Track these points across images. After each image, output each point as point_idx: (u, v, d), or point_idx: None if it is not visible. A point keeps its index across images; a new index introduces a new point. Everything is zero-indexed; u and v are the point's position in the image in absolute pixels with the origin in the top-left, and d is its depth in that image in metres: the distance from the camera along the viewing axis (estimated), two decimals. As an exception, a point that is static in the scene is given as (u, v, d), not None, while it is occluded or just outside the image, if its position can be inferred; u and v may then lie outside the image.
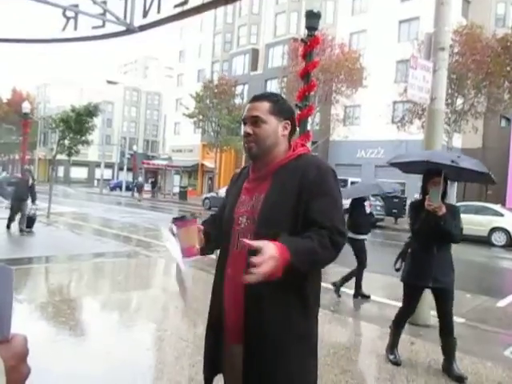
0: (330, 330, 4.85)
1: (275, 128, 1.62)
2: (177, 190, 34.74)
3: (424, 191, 3.73)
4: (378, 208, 19.36)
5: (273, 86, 32.04)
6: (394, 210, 20.90)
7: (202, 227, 1.67)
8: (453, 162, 3.55)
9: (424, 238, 3.77)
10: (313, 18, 6.43)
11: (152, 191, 35.09)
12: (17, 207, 10.47)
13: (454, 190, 25.22)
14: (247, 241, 1.37)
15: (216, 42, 42.58)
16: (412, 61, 4.78)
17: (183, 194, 32.18)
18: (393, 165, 4.44)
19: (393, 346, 3.98)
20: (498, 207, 16.66)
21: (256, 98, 1.66)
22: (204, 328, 1.67)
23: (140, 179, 38.33)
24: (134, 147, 43.42)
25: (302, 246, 1.40)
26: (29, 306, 4.95)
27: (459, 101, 20.97)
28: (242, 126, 1.66)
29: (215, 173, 33.38)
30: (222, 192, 25.52)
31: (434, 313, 5.42)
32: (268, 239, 1.37)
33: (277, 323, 1.51)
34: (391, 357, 3.92)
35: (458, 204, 17.40)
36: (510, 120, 25.47)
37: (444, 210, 3.51)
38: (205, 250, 1.71)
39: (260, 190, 1.61)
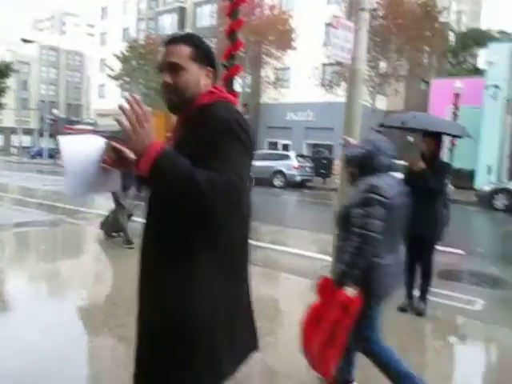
0: (259, 283, 5.04)
1: (197, 77, 1.45)
2: (104, 155, 33.31)
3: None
4: (308, 169, 19.96)
5: (202, 47, 31.10)
6: (322, 171, 21.64)
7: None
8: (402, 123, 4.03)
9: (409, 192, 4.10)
10: (237, -27, 6.24)
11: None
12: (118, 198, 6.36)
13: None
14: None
15: (141, -1, 40.28)
16: (334, 20, 4.85)
17: (111, 160, 30.94)
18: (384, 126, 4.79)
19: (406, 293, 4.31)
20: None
21: (173, 41, 1.45)
22: (133, 291, 1.59)
23: None
24: (55, 111, 40.66)
25: (181, 159, 1.27)
26: None
27: (383, 64, 21.73)
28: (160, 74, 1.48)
29: (145, 137, 32.29)
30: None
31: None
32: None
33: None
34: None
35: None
36: (428, 83, 26.90)
37: (420, 165, 3.84)
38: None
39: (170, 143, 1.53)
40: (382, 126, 4.89)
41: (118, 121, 1.22)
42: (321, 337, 2.28)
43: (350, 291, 2.23)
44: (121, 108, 1.22)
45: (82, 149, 1.44)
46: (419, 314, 4.15)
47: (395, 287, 2.50)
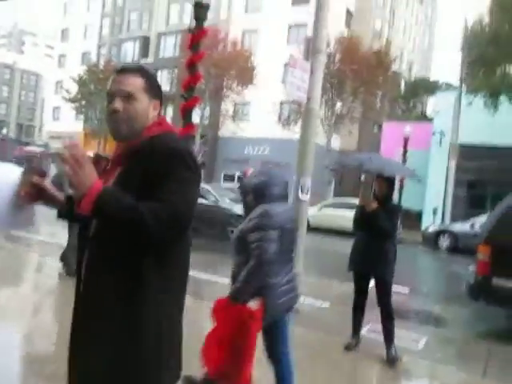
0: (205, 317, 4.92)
1: (146, 108, 1.46)
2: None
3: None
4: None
5: (163, 77, 31.30)
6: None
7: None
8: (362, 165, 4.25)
9: (361, 231, 4.17)
10: (201, 8, 6.41)
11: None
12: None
13: (331, 186, 27.24)
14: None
15: (104, 25, 40.23)
16: (291, 60, 5.04)
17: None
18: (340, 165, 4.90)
19: (352, 331, 4.26)
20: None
21: (127, 70, 1.47)
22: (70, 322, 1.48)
23: None
24: (4, 130, 39.12)
25: (121, 195, 1.27)
26: None
27: (339, 104, 22.71)
28: (108, 100, 1.45)
29: (99, 163, 31.58)
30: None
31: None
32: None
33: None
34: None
35: (333, 200, 18.87)
36: (380, 126, 28.22)
37: (373, 205, 3.91)
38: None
39: (112, 175, 1.46)
40: (337, 165, 5.03)
41: (59, 168, 1.23)
42: (231, 354, 2.39)
43: (248, 305, 2.40)
44: (59, 155, 1.23)
45: None
46: (392, 362, 3.93)
47: (289, 306, 2.67)
